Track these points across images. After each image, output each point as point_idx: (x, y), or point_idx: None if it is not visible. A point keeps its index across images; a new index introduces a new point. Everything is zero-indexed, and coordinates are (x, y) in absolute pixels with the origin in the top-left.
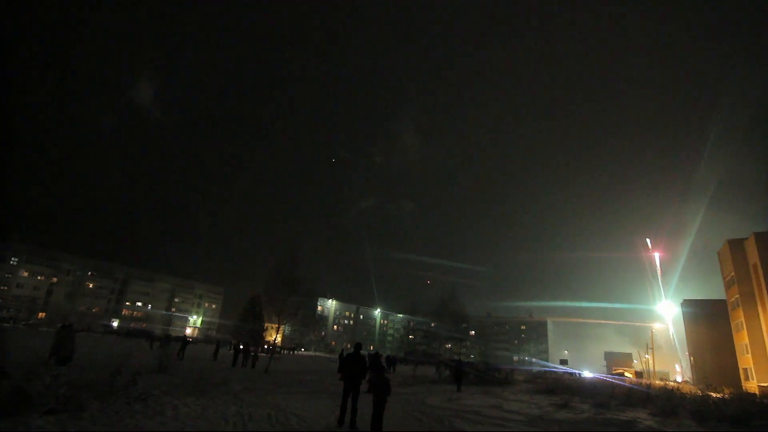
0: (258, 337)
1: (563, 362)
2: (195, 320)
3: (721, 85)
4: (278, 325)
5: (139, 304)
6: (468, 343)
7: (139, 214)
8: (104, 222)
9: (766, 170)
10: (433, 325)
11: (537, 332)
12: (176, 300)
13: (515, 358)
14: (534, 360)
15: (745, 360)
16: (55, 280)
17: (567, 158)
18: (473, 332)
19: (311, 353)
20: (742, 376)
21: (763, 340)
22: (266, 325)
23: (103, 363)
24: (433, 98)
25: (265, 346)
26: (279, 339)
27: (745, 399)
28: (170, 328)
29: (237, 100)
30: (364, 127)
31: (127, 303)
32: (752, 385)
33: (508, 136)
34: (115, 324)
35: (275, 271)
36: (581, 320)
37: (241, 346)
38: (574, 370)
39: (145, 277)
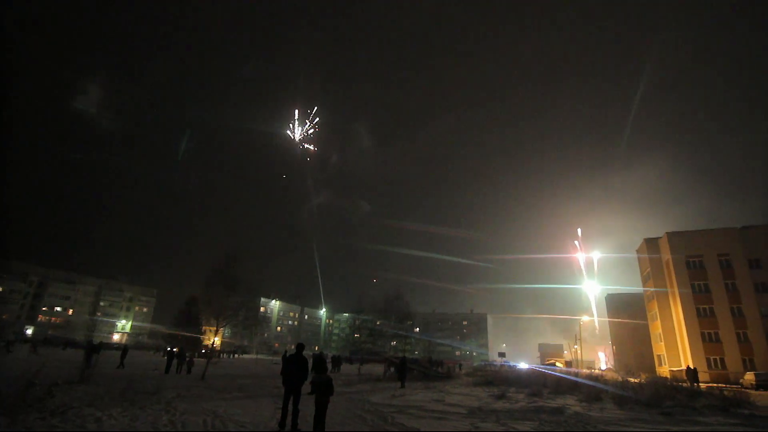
0: (195, 340)
1: (501, 355)
2: (124, 325)
3: (635, 99)
4: (217, 327)
5: (59, 309)
6: (413, 339)
7: (59, 211)
8: (17, 220)
9: (677, 177)
10: (378, 323)
11: (478, 327)
12: (102, 304)
13: (457, 352)
14: (475, 353)
15: (659, 347)
16: None
17: (508, 165)
18: (417, 329)
19: (253, 356)
20: (656, 362)
21: (674, 329)
22: (204, 328)
23: (14, 375)
24: (390, 103)
25: (203, 351)
26: (218, 342)
27: (658, 383)
28: (95, 334)
29: (178, 94)
30: (319, 124)
31: (44, 308)
32: (664, 370)
33: (456, 146)
34: (29, 332)
35: (214, 270)
36: (518, 315)
37: (176, 351)
38: (510, 362)
39: (66, 279)
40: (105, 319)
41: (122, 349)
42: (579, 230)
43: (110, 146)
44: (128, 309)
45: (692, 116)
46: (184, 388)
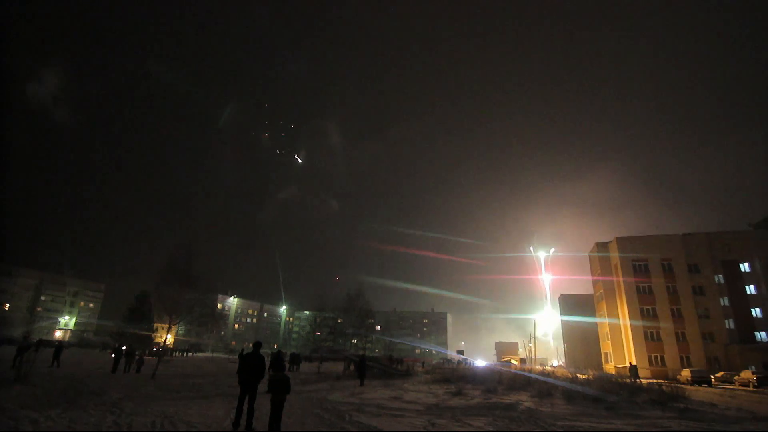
0: (145, 338)
1: (460, 352)
2: (67, 321)
3: (585, 112)
4: (170, 324)
5: None
6: (373, 338)
7: None
8: None
9: (624, 185)
10: (339, 321)
11: (437, 325)
12: (43, 298)
13: (417, 350)
14: (434, 351)
15: (606, 345)
16: None
17: (470, 170)
18: (379, 327)
19: (209, 354)
20: (603, 360)
21: (620, 328)
22: (156, 325)
23: None
24: (360, 102)
25: (154, 349)
26: (171, 340)
27: (604, 379)
28: (34, 330)
29: (140, 89)
30: (285, 120)
31: None
32: (610, 367)
33: (422, 152)
34: None
35: (168, 265)
36: (477, 315)
37: (124, 349)
38: (468, 359)
39: (2, 270)
40: (46, 314)
41: (55, 346)
42: (534, 234)
43: (56, 134)
44: (72, 304)
45: (639, 130)
46: (132, 388)
